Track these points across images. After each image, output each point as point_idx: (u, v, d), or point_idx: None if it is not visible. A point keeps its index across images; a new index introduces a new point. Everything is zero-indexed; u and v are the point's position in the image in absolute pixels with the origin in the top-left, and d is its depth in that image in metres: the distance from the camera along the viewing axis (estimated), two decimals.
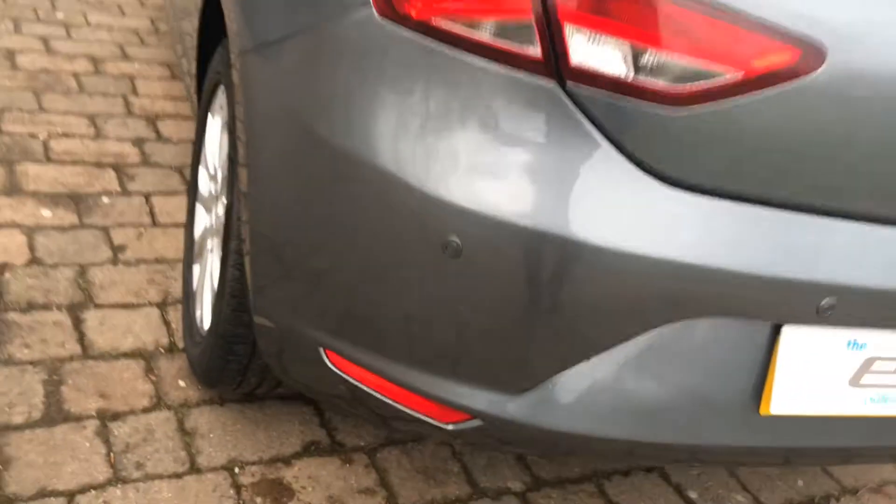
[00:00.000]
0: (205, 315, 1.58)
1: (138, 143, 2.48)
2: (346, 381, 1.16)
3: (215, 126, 1.65)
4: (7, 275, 1.81)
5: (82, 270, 1.89)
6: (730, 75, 0.94)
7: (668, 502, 1.65)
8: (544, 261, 0.98)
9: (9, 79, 2.66)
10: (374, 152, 1.02)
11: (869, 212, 1.06)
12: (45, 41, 3.01)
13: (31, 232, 1.97)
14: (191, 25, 1.86)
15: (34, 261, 1.88)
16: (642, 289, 0.99)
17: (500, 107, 0.97)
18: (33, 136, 2.38)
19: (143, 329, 1.76)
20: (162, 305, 1.85)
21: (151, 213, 2.16)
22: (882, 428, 1.24)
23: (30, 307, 1.74)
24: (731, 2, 0.92)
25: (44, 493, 1.35)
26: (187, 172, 2.38)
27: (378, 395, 1.15)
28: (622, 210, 0.98)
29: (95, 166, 2.31)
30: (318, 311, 1.14)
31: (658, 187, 0.99)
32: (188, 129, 2.62)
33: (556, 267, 0.98)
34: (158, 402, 1.59)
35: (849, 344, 1.14)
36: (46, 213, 2.06)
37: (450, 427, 1.12)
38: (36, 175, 2.20)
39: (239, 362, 1.43)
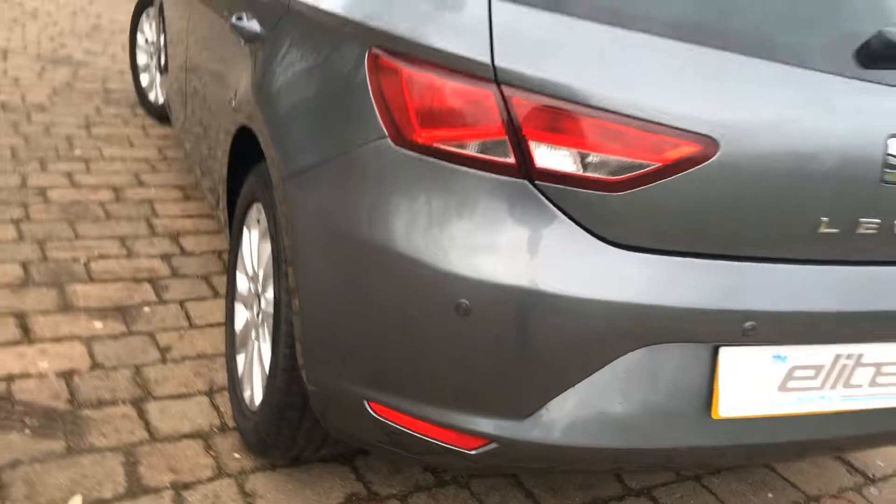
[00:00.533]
0: (255, 394, 1.89)
1: (166, 258, 2.82)
2: (387, 424, 1.47)
3: (252, 237, 1.99)
4: (76, 379, 2.11)
5: (137, 370, 2.19)
6: (652, 165, 1.30)
7: None
8: (531, 312, 1.32)
9: (44, 212, 3.01)
10: (397, 242, 1.36)
11: (771, 254, 1.42)
12: (69, 176, 3.38)
13: (88, 342, 2.28)
14: (220, 152, 2.22)
15: (96, 365, 2.18)
16: (606, 326, 1.33)
17: (486, 200, 1.33)
18: (75, 260, 2.71)
19: (197, 414, 2.06)
20: (209, 393, 2.15)
21: (188, 317, 2.48)
22: (817, 424, 1.56)
23: (100, 404, 2.04)
24: (646, 113, 1.29)
25: None
26: (214, 280, 2.71)
27: (413, 433, 1.46)
28: (584, 268, 1.32)
29: (133, 281, 2.64)
30: (362, 372, 1.46)
31: (610, 250, 1.33)
32: (208, 242, 2.97)
33: (539, 316, 1.32)
34: (220, 472, 1.88)
35: (773, 357, 1.47)
36: (98, 324, 2.37)
37: (472, 452, 1.44)
38: (84, 293, 2.52)
39: (290, 428, 1.73)
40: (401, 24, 1.40)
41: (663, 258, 1.36)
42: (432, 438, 1.45)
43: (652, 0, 1.35)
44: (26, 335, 2.26)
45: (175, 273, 2.74)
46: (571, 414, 1.39)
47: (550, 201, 1.32)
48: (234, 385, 2.05)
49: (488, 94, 1.30)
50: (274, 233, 1.70)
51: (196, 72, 2.65)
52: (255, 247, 1.98)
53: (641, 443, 1.43)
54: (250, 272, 2.01)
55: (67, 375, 2.12)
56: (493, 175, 1.32)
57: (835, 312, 1.46)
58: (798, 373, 1.50)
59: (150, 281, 2.66)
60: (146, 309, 2.50)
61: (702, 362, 1.43)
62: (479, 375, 1.38)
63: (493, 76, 1.30)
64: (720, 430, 1.47)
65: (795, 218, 1.40)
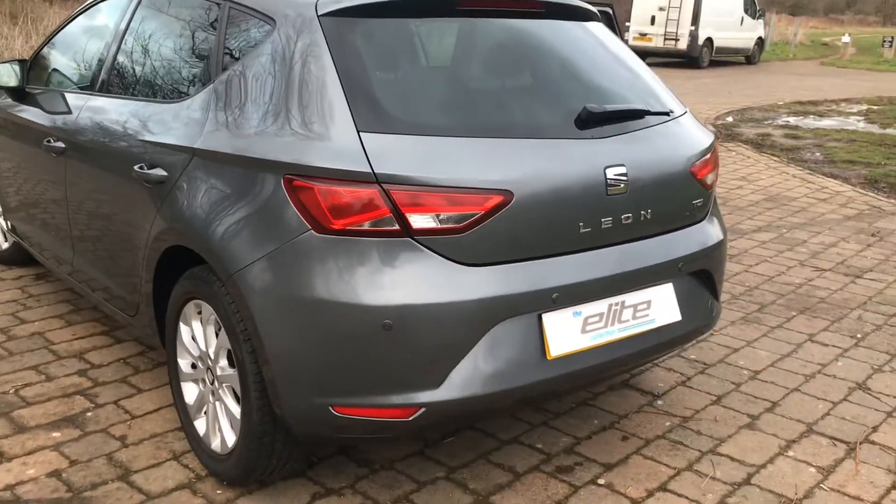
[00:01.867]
0: (225, 439, 2.51)
1: (82, 373, 3.31)
2: (349, 419, 2.19)
3: (194, 327, 2.61)
4: (64, 475, 2.62)
5: (109, 457, 2.72)
6: (479, 214, 2.15)
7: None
8: (428, 317, 2.11)
9: None
10: (334, 294, 2.11)
11: (559, 250, 2.31)
12: None
13: (57, 448, 2.77)
14: (143, 272, 2.76)
15: (74, 462, 2.69)
16: (472, 316, 2.15)
17: (385, 255, 2.11)
18: (4, 392, 3.14)
19: (175, 473, 2.64)
20: (176, 457, 2.73)
21: (127, 411, 3.02)
22: (608, 350, 2.45)
23: (94, 486, 2.56)
24: (468, 182, 2.13)
25: None
26: (132, 380, 3.25)
27: (369, 419, 2.19)
28: (451, 283, 2.14)
29: (65, 397, 3.12)
30: (325, 387, 2.18)
31: (467, 269, 2.16)
32: (111, 353, 3.48)
33: (432, 318, 2.12)
34: None
35: (573, 313, 2.36)
36: (56, 434, 2.86)
37: (410, 419, 2.19)
38: (30, 415, 2.98)
39: (267, 450, 2.39)
40: (305, 157, 2.16)
41: (497, 267, 2.21)
42: (382, 418, 2.20)
43: (455, 117, 2.23)
44: (2, 456, 2.72)
45: (96, 383, 3.24)
46: (464, 376, 2.19)
47: (425, 247, 2.13)
48: (199, 443, 2.66)
49: (374, 191, 2.10)
50: (225, 313, 2.36)
51: (84, 215, 3.19)
52: (198, 333, 2.61)
53: (509, 383, 2.25)
54: (196, 354, 2.63)
55: (56, 474, 2.62)
56: (388, 238, 2.12)
57: (601, 278, 2.38)
58: (590, 320, 2.40)
59: (79, 393, 3.16)
60: (89, 414, 3.01)
61: (534, 326, 2.29)
62: (403, 365, 2.15)
63: (376, 179, 2.10)
64: (554, 366, 2.33)
65: (564, 226, 2.31)
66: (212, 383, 2.59)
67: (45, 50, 3.84)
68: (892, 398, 3.30)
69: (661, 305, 2.57)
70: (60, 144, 3.28)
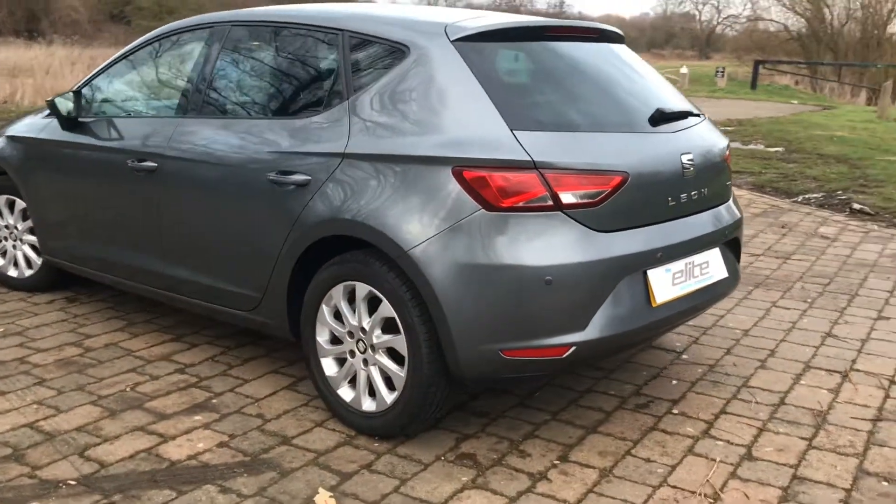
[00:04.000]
0: (382, 398, 2.95)
1: (180, 371, 3.63)
2: (516, 360, 2.72)
3: (339, 307, 3.03)
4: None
5: (261, 430, 3.10)
6: (607, 190, 2.76)
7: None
8: (580, 272, 2.69)
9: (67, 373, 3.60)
10: (504, 258, 2.64)
11: (658, 219, 2.94)
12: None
13: (208, 426, 3.11)
14: (282, 265, 3.13)
15: (234, 436, 3.05)
16: (609, 270, 2.74)
17: (543, 226, 2.68)
18: (123, 391, 3.42)
19: (328, 436, 3.05)
20: (320, 424, 3.14)
21: (248, 397, 3.38)
22: (689, 298, 3.10)
23: (265, 450, 2.94)
24: (599, 166, 2.74)
25: None
26: (234, 371, 3.60)
27: (532, 359, 2.73)
28: (593, 245, 2.73)
29: (182, 390, 3.44)
30: (497, 335, 2.69)
31: (601, 234, 2.75)
32: (202, 353, 3.80)
33: (583, 273, 2.69)
34: (377, 454, 2.92)
35: (665, 270, 3.00)
36: (197, 417, 3.19)
37: (564, 356, 2.74)
38: (167, 405, 3.29)
39: (432, 399, 2.87)
40: (471, 152, 2.70)
41: (621, 232, 2.82)
42: (541, 357, 2.74)
43: (576, 117, 2.83)
44: (163, 436, 3.04)
45: (201, 378, 3.57)
46: (602, 320, 2.77)
47: (572, 218, 2.71)
48: (345, 408, 3.08)
49: (534, 175, 2.66)
50: (391, 287, 2.83)
51: (186, 225, 3.53)
52: (346, 311, 3.04)
53: (630, 325, 2.86)
54: (344, 329, 3.06)
55: (224, 445, 2.97)
56: (544, 213, 2.68)
57: (683, 241, 3.03)
58: (676, 275, 3.04)
59: (192, 386, 3.47)
60: (214, 401, 3.34)
61: (640, 280, 2.90)
62: (559, 313, 2.71)
63: (534, 165, 2.66)
64: (657, 311, 2.95)
65: (659, 199, 2.95)
66: (363, 352, 3.02)
67: (100, 81, 4.12)
68: (856, 340, 4.14)
69: (714, 265, 3.25)
70: (151, 164, 3.61)
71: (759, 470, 2.85)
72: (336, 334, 3.11)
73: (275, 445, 2.98)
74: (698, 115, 3.40)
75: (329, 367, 3.15)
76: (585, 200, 2.73)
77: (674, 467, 2.86)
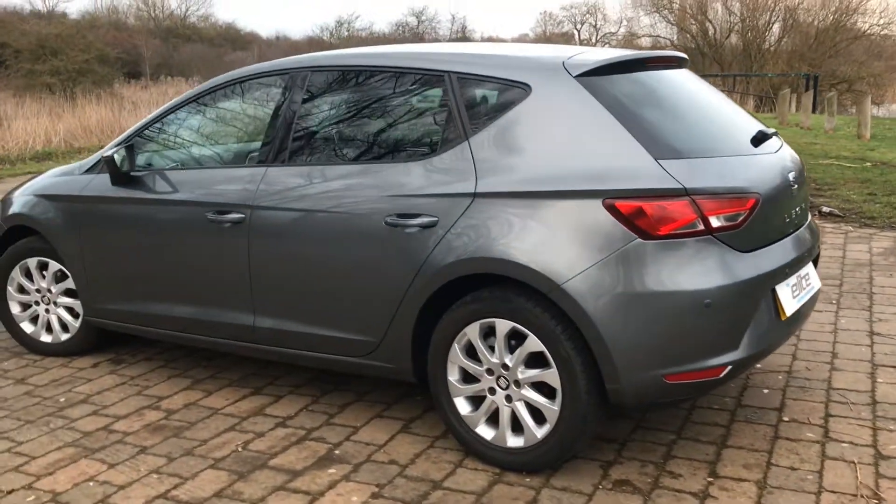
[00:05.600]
0: (532, 433, 2.96)
1: (284, 425, 3.54)
2: (677, 385, 2.80)
3: (477, 345, 3.04)
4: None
5: (404, 476, 3.06)
6: (745, 212, 2.88)
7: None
8: (734, 291, 2.79)
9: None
10: (665, 285, 2.72)
11: (781, 235, 3.08)
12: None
13: (348, 477, 3.06)
14: (408, 307, 3.10)
15: (384, 485, 3.00)
16: (755, 287, 2.87)
17: (697, 251, 2.77)
18: (246, 443, 3.31)
19: (474, 476, 3.04)
20: (459, 465, 3.12)
21: (368, 444, 3.34)
22: (802, 308, 3.24)
23: (423, 496, 2.91)
24: (737, 190, 2.86)
25: None
26: (333, 420, 3.53)
27: (692, 382, 2.81)
28: (741, 265, 2.84)
29: (297, 444, 3.36)
30: (659, 361, 2.76)
31: (744, 254, 2.87)
32: (304, 402, 3.71)
33: (737, 293, 2.80)
34: (538, 492, 2.94)
35: (786, 284, 3.14)
36: (333, 470, 3.13)
37: (721, 376, 2.83)
38: (292, 461, 3.20)
39: (588, 428, 2.91)
40: (621, 184, 2.78)
41: (758, 251, 2.94)
42: (701, 379, 2.83)
43: (705, 143, 2.95)
44: (314, 497, 2.96)
45: (308, 429, 3.49)
46: (750, 338, 2.88)
47: (721, 241, 2.82)
48: (486, 446, 3.08)
49: (686, 202, 2.76)
50: (540, 322, 2.86)
51: (284, 275, 3.45)
52: (482, 349, 3.04)
53: (768, 341, 2.98)
54: (481, 368, 3.06)
55: (378, 495, 2.93)
56: (696, 238, 2.78)
57: (796, 256, 3.18)
58: (793, 289, 3.19)
59: (305, 439, 3.40)
60: (337, 452, 3.28)
61: (771, 295, 3.03)
62: (716, 334, 2.80)
63: (686, 192, 2.76)
64: (785, 325, 3.09)
65: (780, 217, 3.09)
66: (505, 388, 3.03)
67: (152, 133, 4.00)
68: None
69: (812, 277, 3.42)
70: (237, 215, 3.53)
71: None
72: (470, 372, 3.10)
73: (429, 491, 2.95)
74: (777, 135, 3.57)
75: (462, 406, 3.15)
76: (729, 223, 2.84)
77: (820, 473, 2.98)
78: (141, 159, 3.99)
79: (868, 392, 3.69)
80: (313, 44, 42.13)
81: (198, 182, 3.74)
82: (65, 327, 4.48)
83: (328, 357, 3.48)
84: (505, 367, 3.02)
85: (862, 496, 2.82)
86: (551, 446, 2.95)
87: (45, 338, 4.53)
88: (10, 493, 3.03)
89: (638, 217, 2.76)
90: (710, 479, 2.97)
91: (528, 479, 3.01)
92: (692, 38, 40.29)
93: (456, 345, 3.10)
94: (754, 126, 3.41)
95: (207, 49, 53.78)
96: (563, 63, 3.06)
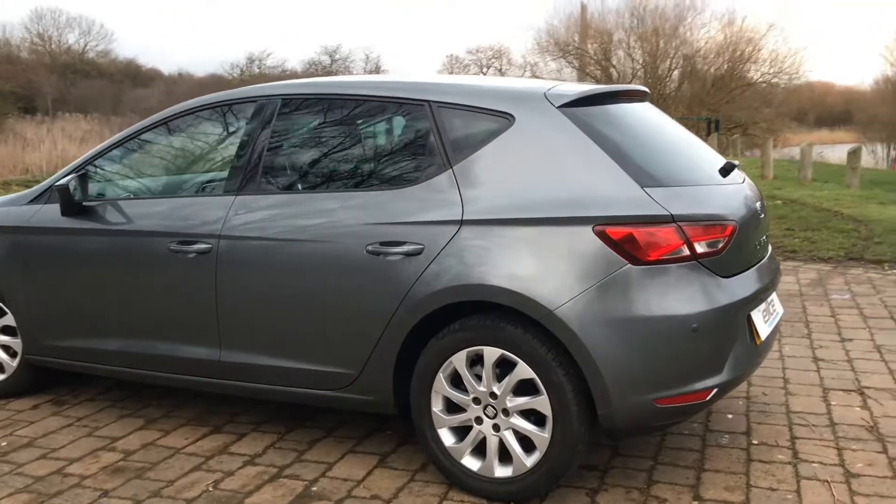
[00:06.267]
0: (520, 463, 2.93)
1: (252, 463, 3.40)
2: (667, 408, 2.83)
3: (463, 373, 3.00)
4: None
5: None
6: (725, 238, 2.96)
7: None
8: (718, 316, 2.86)
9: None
10: (652, 309, 2.77)
11: (752, 263, 3.18)
12: None
13: None
14: (389, 340, 3.06)
15: None
16: (735, 312, 2.94)
17: (682, 276, 2.83)
18: (208, 490, 3.16)
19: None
20: (444, 498, 3.07)
21: (346, 479, 3.24)
22: (772, 332, 3.34)
23: None
24: (718, 217, 2.94)
25: None
26: (304, 456, 3.42)
27: (681, 405, 2.85)
28: (722, 290, 2.91)
29: (272, 482, 3.23)
30: (650, 386, 2.79)
31: (726, 280, 2.95)
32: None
33: (720, 317, 2.87)
34: None
35: (758, 309, 3.23)
36: None
37: (707, 399, 2.88)
38: (268, 500, 3.08)
39: (576, 456, 2.90)
40: (609, 210, 2.82)
41: (736, 277, 3.02)
42: (688, 402, 2.87)
43: (682, 172, 3.03)
44: None
45: (279, 466, 3.37)
46: (732, 362, 2.95)
47: (705, 266, 2.89)
48: (471, 477, 3.03)
49: (672, 228, 2.82)
50: (530, 349, 2.86)
51: (254, 307, 3.35)
52: (468, 378, 3.01)
53: (746, 365, 3.06)
54: (467, 397, 3.02)
55: None
56: (682, 263, 2.84)
57: (766, 282, 3.28)
58: (764, 314, 3.28)
59: (279, 477, 3.27)
60: (314, 488, 3.17)
61: (746, 321, 3.12)
62: (703, 358, 2.86)
63: (673, 219, 2.82)
64: (759, 349, 3.18)
65: (751, 244, 3.19)
66: (492, 417, 3.00)
67: (107, 162, 3.85)
68: (842, 361, 4.59)
69: (776, 303, 3.54)
70: (203, 245, 3.42)
71: (870, 485, 3.11)
72: (456, 402, 3.07)
73: None
74: (739, 167, 3.70)
75: (447, 437, 3.10)
76: (711, 249, 2.91)
77: (798, 492, 3.06)
78: (93, 189, 3.82)
79: (825, 414, 3.82)
80: (216, 81, 41.60)
81: (158, 212, 3.61)
82: (0, 368, 4.22)
83: (301, 391, 3.38)
84: (493, 395, 2.99)
85: None
86: (541, 474, 2.93)
87: None
88: None
89: (628, 243, 2.80)
90: (695, 503, 3.00)
91: None
92: (597, 83, 41.63)
93: (441, 374, 3.06)
94: (718, 158, 3.53)
95: (108, 85, 52.39)
96: (545, 94, 3.11)
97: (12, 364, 4.17)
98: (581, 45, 42.46)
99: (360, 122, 3.41)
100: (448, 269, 2.97)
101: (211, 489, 3.17)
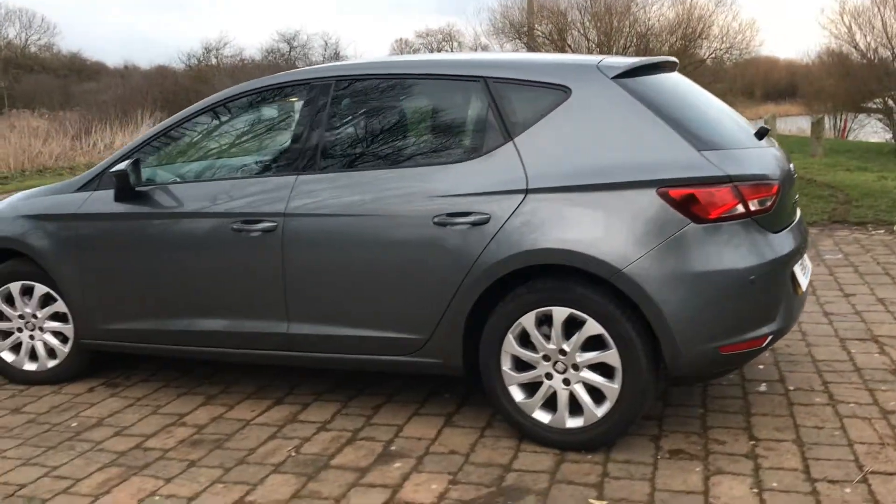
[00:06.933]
0: (591, 413, 3.14)
1: (324, 429, 3.56)
2: (730, 355, 3.07)
3: (533, 333, 3.20)
4: None
5: (475, 463, 3.18)
6: (773, 196, 3.19)
7: None
8: (771, 267, 3.10)
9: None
10: (711, 264, 3.00)
11: (788, 223, 3.42)
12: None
13: (407, 475, 3.14)
14: (459, 304, 3.23)
15: (459, 482, 3.11)
16: (784, 263, 3.19)
17: (739, 232, 3.06)
18: (292, 455, 3.32)
19: (537, 459, 3.20)
20: (519, 451, 3.27)
21: (420, 439, 3.42)
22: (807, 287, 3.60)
23: (486, 485, 3.04)
24: (766, 178, 3.17)
25: None
26: (373, 420, 3.60)
27: (742, 352, 3.08)
28: (772, 243, 3.15)
29: (350, 445, 3.40)
30: (716, 334, 3.02)
31: (773, 234, 3.19)
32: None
33: (773, 267, 3.11)
34: (604, 466, 3.13)
35: (799, 265, 3.47)
36: (398, 464, 3.20)
37: (764, 345, 3.13)
38: (350, 461, 3.25)
39: (644, 403, 3.12)
40: (672, 174, 3.03)
41: (781, 233, 3.26)
42: (748, 349, 3.11)
43: (730, 137, 3.26)
44: (395, 491, 3.03)
45: (354, 430, 3.54)
46: (782, 312, 3.20)
47: (758, 223, 3.12)
48: (543, 429, 3.24)
49: (729, 188, 3.04)
50: (601, 306, 3.07)
51: (323, 280, 3.50)
52: (537, 337, 3.20)
53: (795, 313, 3.31)
54: (537, 354, 3.22)
55: (445, 496, 3.04)
56: (739, 220, 3.07)
57: (801, 239, 3.52)
58: (801, 267, 3.52)
59: (356, 440, 3.45)
60: (392, 448, 3.35)
61: (788, 279, 3.36)
62: (759, 307, 3.10)
63: (730, 180, 3.05)
64: (800, 300, 3.43)
65: (789, 203, 3.44)
66: (562, 372, 3.21)
67: (159, 147, 3.96)
68: (852, 314, 4.89)
69: (807, 260, 3.79)
70: (268, 224, 3.55)
71: None
72: (525, 360, 3.26)
73: (502, 474, 3.08)
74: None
75: (516, 393, 3.30)
76: (762, 207, 3.14)
77: (843, 429, 3.32)
78: (145, 174, 3.92)
79: (848, 361, 4.10)
80: (162, 72, 40.85)
81: (216, 194, 3.72)
82: (51, 353, 4.30)
83: (370, 358, 3.55)
84: (562, 352, 3.19)
85: (887, 444, 3.17)
86: (612, 423, 3.15)
87: (29, 366, 4.32)
88: None
89: (690, 203, 3.01)
90: (752, 442, 3.24)
91: (589, 457, 3.19)
92: None
93: (510, 334, 3.25)
94: (748, 123, 3.77)
95: (52, 80, 51.21)
96: (598, 66, 3.30)
97: (64, 349, 4.25)
98: (530, 24, 42.69)
99: (415, 99, 3.58)
100: (516, 236, 3.16)
101: (293, 454, 3.33)
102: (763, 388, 3.81)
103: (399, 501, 2.92)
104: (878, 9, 23.91)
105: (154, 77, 42.14)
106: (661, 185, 3.04)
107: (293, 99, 3.77)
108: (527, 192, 3.18)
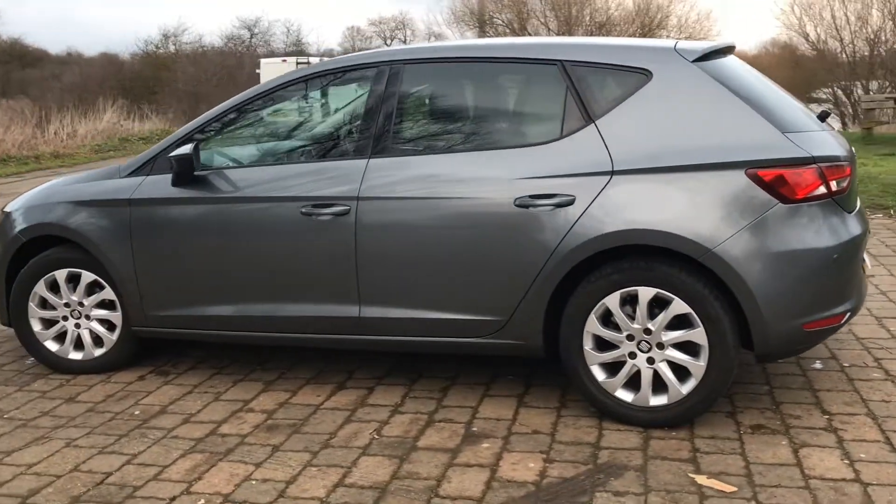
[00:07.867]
0: (676, 391, 3.20)
1: (397, 412, 3.57)
2: (813, 332, 3.15)
3: (617, 313, 3.24)
4: None
5: (580, 443, 3.22)
6: (847, 178, 3.28)
7: None
8: (851, 244, 3.19)
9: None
10: (800, 243, 3.08)
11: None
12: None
13: (502, 451, 3.17)
14: (543, 286, 3.26)
15: (554, 460, 3.14)
16: (858, 245, 3.27)
17: (822, 212, 3.14)
18: (375, 439, 3.33)
19: (626, 437, 3.25)
20: (603, 430, 3.32)
21: (492, 419, 3.46)
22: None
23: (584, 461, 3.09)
24: (841, 160, 3.25)
25: None
26: (445, 402, 3.62)
27: (825, 328, 3.18)
28: (848, 224, 3.24)
29: (432, 426, 3.42)
30: (801, 312, 3.10)
31: (849, 215, 3.28)
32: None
33: (850, 245, 3.20)
34: (692, 442, 3.19)
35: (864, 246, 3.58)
36: (486, 444, 3.23)
37: (842, 322, 3.22)
38: (435, 442, 3.27)
39: (728, 381, 3.20)
40: (759, 155, 3.10)
41: (853, 214, 3.35)
42: (828, 326, 3.20)
43: (799, 120, 3.34)
44: (494, 471, 3.05)
45: (429, 412, 3.55)
46: (855, 289, 3.30)
47: (838, 204, 3.21)
48: (626, 408, 3.29)
49: (814, 169, 3.12)
50: (686, 285, 3.12)
51: (399, 263, 3.50)
52: (621, 316, 3.25)
53: (866, 292, 3.41)
54: (622, 335, 3.27)
55: (541, 469, 3.07)
56: (821, 201, 3.15)
57: (866, 222, 3.63)
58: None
59: (440, 422, 3.47)
60: (474, 428, 3.38)
61: (862, 253, 3.45)
62: (840, 284, 3.20)
63: (814, 161, 3.12)
64: (866, 280, 3.53)
65: (856, 185, 3.53)
66: (646, 351, 3.26)
67: (218, 132, 3.91)
68: (879, 294, 5.05)
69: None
70: (341, 207, 3.54)
71: None
72: (608, 339, 3.30)
73: (595, 452, 3.13)
74: None
75: (598, 373, 3.34)
76: (840, 188, 3.23)
77: None
78: (203, 157, 3.87)
79: (891, 338, 4.24)
80: (106, 59, 39.80)
81: (282, 177, 3.69)
82: (97, 342, 4.22)
83: (445, 340, 3.56)
84: (647, 331, 3.24)
85: None
86: (697, 400, 3.21)
87: (75, 355, 4.24)
88: (173, 500, 2.90)
89: (779, 184, 3.09)
90: (826, 416, 3.34)
91: (674, 433, 3.25)
92: None
93: (593, 315, 3.29)
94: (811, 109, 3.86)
95: None
96: (676, 49, 3.35)
97: (111, 338, 4.18)
98: (490, 12, 42.71)
99: (490, 83, 3.59)
100: (602, 217, 3.20)
101: (377, 437, 3.34)
102: (818, 365, 3.91)
103: (501, 480, 2.94)
104: (828, 1, 24.54)
105: (102, 64, 41.08)
106: (750, 167, 3.10)
107: (361, 82, 3.75)
108: (612, 173, 3.22)
